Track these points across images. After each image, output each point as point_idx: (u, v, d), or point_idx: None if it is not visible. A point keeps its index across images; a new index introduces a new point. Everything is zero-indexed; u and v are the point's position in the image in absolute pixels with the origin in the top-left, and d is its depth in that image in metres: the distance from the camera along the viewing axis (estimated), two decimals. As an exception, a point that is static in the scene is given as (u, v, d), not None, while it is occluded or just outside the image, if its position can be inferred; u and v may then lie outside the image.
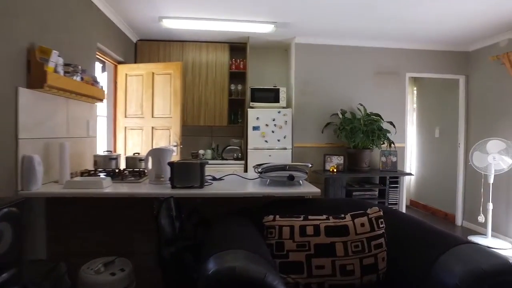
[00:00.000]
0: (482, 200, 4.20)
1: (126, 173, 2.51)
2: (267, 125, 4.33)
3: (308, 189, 2.22)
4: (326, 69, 4.46)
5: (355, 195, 4.17)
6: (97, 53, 3.28)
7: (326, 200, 2.43)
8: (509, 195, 4.02)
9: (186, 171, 2.15)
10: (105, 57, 3.65)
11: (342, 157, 4.20)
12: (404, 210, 4.66)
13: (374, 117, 4.18)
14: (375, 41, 4.47)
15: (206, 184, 2.23)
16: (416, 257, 1.71)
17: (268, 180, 2.35)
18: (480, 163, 3.96)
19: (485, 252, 1.53)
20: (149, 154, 2.32)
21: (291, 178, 2.25)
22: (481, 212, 4.15)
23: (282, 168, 2.31)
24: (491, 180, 3.98)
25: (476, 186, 4.38)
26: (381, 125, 4.19)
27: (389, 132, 4.19)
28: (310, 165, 2.41)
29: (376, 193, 4.26)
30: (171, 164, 2.14)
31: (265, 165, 2.38)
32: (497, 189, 4.14)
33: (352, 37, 4.36)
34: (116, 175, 2.42)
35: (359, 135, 3.94)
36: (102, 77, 3.73)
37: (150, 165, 2.30)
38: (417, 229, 1.94)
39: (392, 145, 4.20)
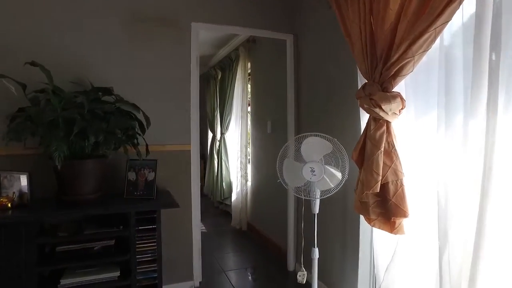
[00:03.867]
0: (303, 242, 2.45)
1: None
2: None
3: None
4: (33, 9, 2.20)
5: (59, 255, 2.01)
6: None
7: None
8: (346, 235, 2.32)
9: None
10: None
11: (25, 176, 1.98)
12: None
13: (98, 93, 2.06)
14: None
15: None
16: None
17: None
18: (293, 180, 2.15)
19: None
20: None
21: None
22: (303, 265, 2.39)
23: None
24: (316, 210, 2.21)
25: (307, 213, 2.62)
26: (120, 109, 2.11)
27: (134, 124, 2.14)
28: None
29: (112, 243, 2.15)
30: None
31: None
32: (326, 223, 2.44)
33: None
34: None
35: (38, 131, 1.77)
36: None
37: None
38: None
39: (148, 149, 2.17)
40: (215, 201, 5.42)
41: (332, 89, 2.50)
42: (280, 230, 3.31)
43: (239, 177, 4.40)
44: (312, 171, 2.03)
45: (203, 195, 5.93)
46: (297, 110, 3.00)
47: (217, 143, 5.37)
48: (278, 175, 2.14)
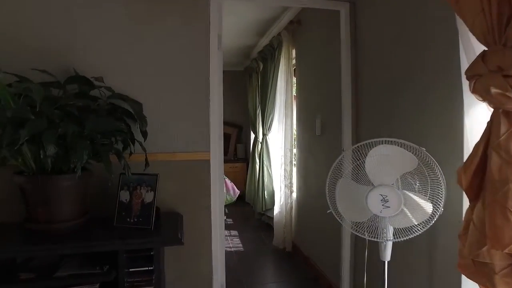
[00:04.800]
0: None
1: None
2: None
3: None
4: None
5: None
6: None
7: None
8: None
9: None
10: None
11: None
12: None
13: (74, 85, 1.49)
14: None
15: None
16: None
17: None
18: (352, 211, 1.39)
19: None
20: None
21: None
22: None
23: None
24: (387, 257, 1.43)
25: (371, 256, 1.83)
26: (115, 106, 1.54)
27: (124, 126, 1.55)
28: None
29: (96, 291, 1.58)
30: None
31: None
32: (400, 276, 1.64)
33: None
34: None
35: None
36: None
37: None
38: None
39: (147, 160, 1.58)
40: (256, 212, 4.76)
41: (408, 70, 1.68)
42: (332, 261, 2.54)
43: (282, 187, 3.70)
44: (384, 200, 1.26)
45: (245, 204, 5.32)
46: (355, 104, 2.21)
47: (259, 146, 4.71)
48: (329, 202, 1.40)
